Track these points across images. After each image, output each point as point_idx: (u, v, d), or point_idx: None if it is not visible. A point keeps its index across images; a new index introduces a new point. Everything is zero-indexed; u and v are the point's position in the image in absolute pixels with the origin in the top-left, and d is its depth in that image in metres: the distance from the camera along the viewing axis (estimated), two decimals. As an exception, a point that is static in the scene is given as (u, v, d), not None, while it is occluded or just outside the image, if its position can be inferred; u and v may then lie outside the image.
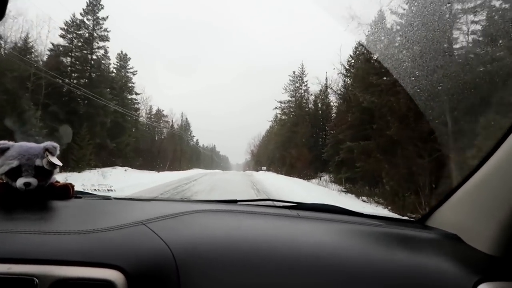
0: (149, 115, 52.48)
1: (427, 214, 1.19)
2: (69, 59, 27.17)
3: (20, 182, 1.07)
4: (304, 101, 35.72)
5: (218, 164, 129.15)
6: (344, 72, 23.04)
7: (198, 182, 17.72)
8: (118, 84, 34.22)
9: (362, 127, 16.62)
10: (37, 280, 0.67)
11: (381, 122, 13.09)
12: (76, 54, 27.59)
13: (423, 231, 1.06)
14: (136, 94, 38.60)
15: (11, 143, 1.13)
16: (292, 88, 38.27)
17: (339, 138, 19.84)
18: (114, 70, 34.82)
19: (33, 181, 1.09)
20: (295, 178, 25.97)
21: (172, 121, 52.59)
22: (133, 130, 38.35)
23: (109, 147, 28.34)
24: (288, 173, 31.43)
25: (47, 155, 1.13)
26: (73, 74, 27.31)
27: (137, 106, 40.13)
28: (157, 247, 0.78)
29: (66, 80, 24.99)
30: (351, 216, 1.25)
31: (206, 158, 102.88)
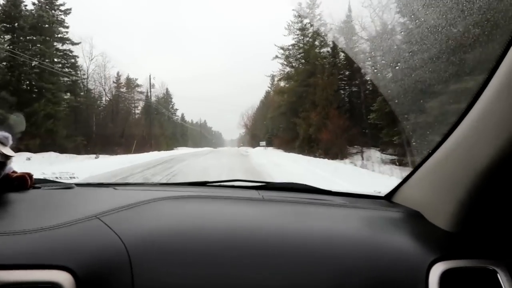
0: (116, 84, 40.70)
1: (393, 190, 1.20)
2: None
3: None
4: (322, 40, 23.70)
5: (210, 141, 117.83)
6: None
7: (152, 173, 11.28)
8: (38, 25, 22.05)
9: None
10: None
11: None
12: None
13: (388, 209, 1.08)
14: (73, 44, 26.40)
15: None
16: (299, 27, 26.19)
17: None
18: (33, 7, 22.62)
19: None
20: (318, 159, 14.80)
21: (149, 92, 39.92)
22: (67, 95, 26.33)
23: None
24: (303, 151, 20.23)
25: None
26: None
27: (76, 62, 27.90)
28: (110, 242, 0.76)
29: None
30: (319, 194, 1.30)
31: (195, 135, 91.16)
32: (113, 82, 39.43)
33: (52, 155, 19.96)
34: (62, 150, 22.12)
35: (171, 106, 65.38)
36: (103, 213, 0.86)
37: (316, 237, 0.84)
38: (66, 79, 26.02)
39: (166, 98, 63.34)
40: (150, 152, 28.14)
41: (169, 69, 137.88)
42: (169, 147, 53.81)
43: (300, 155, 17.45)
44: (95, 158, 19.71)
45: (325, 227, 0.91)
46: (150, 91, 36.85)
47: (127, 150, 32.82)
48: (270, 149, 31.61)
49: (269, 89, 52.72)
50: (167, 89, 64.01)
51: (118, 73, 41.91)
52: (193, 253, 0.77)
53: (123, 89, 49.23)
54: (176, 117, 70.14)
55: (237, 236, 0.83)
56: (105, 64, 34.58)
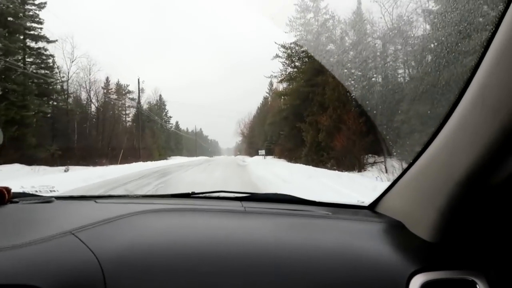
0: (105, 89, 37.80)
1: (376, 200, 1.19)
2: None
3: None
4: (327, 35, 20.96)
5: (206, 149, 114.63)
6: None
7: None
8: (1, 17, 19.16)
9: None
10: None
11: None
12: None
13: (371, 219, 1.08)
14: (48, 41, 23.48)
15: None
16: (302, 22, 23.47)
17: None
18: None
19: None
20: (334, 173, 11.96)
21: (139, 98, 37.02)
22: (42, 99, 23.30)
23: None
24: (311, 161, 17.29)
25: None
26: None
27: (53, 62, 24.92)
28: (84, 259, 0.74)
29: None
30: (303, 205, 1.28)
31: (191, 144, 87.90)
32: (102, 87, 36.60)
33: (14, 168, 16.87)
34: (30, 161, 19.04)
35: (164, 113, 62.21)
36: (78, 228, 0.85)
37: (296, 249, 0.83)
38: (40, 80, 22.96)
39: (160, 105, 60.21)
40: (137, 163, 25.17)
41: (163, 77, 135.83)
42: (162, 156, 50.73)
43: (310, 167, 14.43)
44: (64, 171, 16.61)
45: (306, 239, 0.90)
46: (139, 96, 33.36)
47: (114, 161, 29.86)
48: (269, 158, 28.63)
49: (267, 94, 50.13)
50: (160, 95, 60.98)
51: (107, 79, 39.22)
52: (170, 269, 0.75)
53: (113, 95, 46.47)
54: (170, 125, 66.86)
55: (216, 250, 0.81)
56: (90, 67, 31.73)
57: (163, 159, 47.49)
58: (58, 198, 1.32)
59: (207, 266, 0.76)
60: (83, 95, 32.14)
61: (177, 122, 75.03)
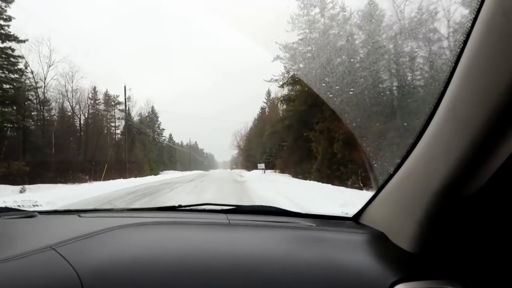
0: (92, 99, 34.94)
1: (360, 211, 1.19)
2: None
3: None
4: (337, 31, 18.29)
5: (201, 163, 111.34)
6: None
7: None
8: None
9: None
10: None
11: None
12: None
13: (355, 230, 1.09)
14: (19, 41, 20.60)
15: None
16: (306, 19, 20.87)
17: None
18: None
19: None
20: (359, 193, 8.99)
21: (127, 107, 34.16)
22: (12, 108, 20.31)
23: None
24: (323, 177, 14.33)
25: None
26: None
27: (25, 66, 21.98)
28: (63, 275, 0.73)
29: None
30: (287, 216, 1.30)
31: (185, 157, 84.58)
32: (89, 98, 33.70)
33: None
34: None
35: (157, 125, 59.04)
36: (59, 243, 0.84)
37: (279, 262, 0.84)
38: (8, 86, 19.98)
39: (152, 117, 57.18)
40: (121, 180, 22.09)
41: (155, 87, 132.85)
42: (154, 171, 47.49)
43: (328, 186, 11.39)
44: (20, 192, 13.48)
45: (289, 251, 0.90)
46: (126, 105, 30.28)
47: (98, 177, 26.74)
48: (269, 172, 25.61)
49: (265, 104, 47.49)
50: (152, 107, 57.94)
51: (94, 88, 36.33)
52: (152, 284, 0.75)
53: (101, 106, 43.56)
54: (163, 137, 63.61)
55: (199, 264, 0.81)
56: (72, 74, 28.85)
57: (154, 174, 44.42)
58: (42, 212, 1.32)
59: (190, 280, 0.76)
60: (65, 105, 29.15)
61: (170, 135, 71.69)
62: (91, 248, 0.85)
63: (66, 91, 28.26)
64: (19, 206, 1.86)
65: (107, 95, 44.83)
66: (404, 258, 0.86)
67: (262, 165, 26.27)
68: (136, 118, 50.73)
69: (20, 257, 0.75)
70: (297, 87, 20.59)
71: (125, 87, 28.94)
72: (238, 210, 1.37)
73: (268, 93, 46.26)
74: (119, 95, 47.89)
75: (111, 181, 23.72)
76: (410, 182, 0.85)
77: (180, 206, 1.44)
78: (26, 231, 1.03)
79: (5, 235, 0.98)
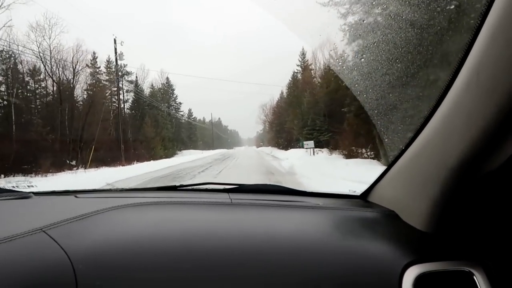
0: (92, 67, 28.02)
1: (369, 189, 1.16)
2: None
3: None
4: None
5: (225, 141, 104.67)
6: None
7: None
8: None
9: None
10: None
11: None
12: None
13: (363, 209, 1.04)
14: None
15: None
16: None
17: None
18: None
19: None
20: None
21: (117, 68, 26.79)
22: None
23: None
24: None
25: None
26: None
27: None
28: (53, 259, 0.70)
29: None
30: (292, 195, 1.26)
31: (207, 135, 77.65)
32: (87, 65, 26.67)
33: None
34: None
35: (173, 99, 51.59)
36: (50, 225, 0.80)
37: (284, 242, 0.80)
38: None
39: (166, 89, 49.79)
40: (115, 168, 15.18)
41: (171, 62, 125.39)
42: (169, 151, 40.70)
43: None
44: None
45: (295, 232, 0.86)
46: (117, 64, 22.66)
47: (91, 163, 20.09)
48: (323, 155, 17.54)
49: (299, 68, 38.84)
50: (167, 78, 50.33)
51: (94, 54, 29.29)
52: (150, 266, 0.71)
53: (103, 76, 36.65)
54: (181, 112, 56.18)
55: (201, 245, 0.78)
56: (51, 26, 21.49)
57: (169, 156, 37.52)
58: (37, 193, 1.28)
59: (191, 261, 0.73)
60: (37, 68, 21.93)
61: (190, 110, 64.26)
62: (84, 230, 0.81)
63: (39, 47, 21.04)
64: (13, 187, 1.79)
65: (109, 62, 37.83)
66: (417, 237, 0.83)
67: (310, 143, 18.11)
68: (147, 91, 43.66)
69: (7, 240, 0.71)
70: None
71: (115, 39, 21.33)
72: (241, 189, 1.32)
73: (303, 53, 37.56)
74: (126, 64, 40.85)
75: (98, 170, 16.84)
76: (425, 158, 0.80)
77: (180, 185, 1.40)
78: (17, 213, 0.98)
79: None
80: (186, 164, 18.17)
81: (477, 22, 0.59)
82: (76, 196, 1.22)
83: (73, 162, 20.73)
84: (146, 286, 0.68)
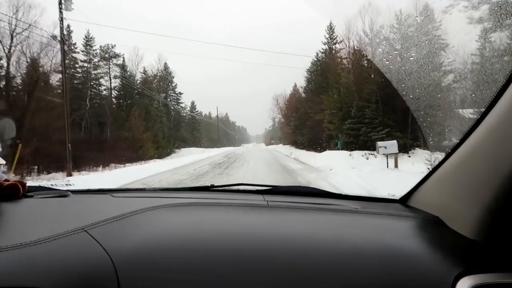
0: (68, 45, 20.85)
1: (409, 193, 1.13)
2: None
3: None
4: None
5: (232, 137, 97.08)
6: None
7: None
8: None
9: None
10: None
11: None
12: None
13: (403, 213, 1.01)
14: None
15: None
16: None
17: None
18: None
19: None
20: None
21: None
22: None
23: None
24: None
25: None
26: None
27: None
28: (95, 258, 0.70)
29: None
30: (328, 198, 1.23)
31: (213, 131, 69.95)
32: (66, 41, 19.40)
33: None
34: None
35: (171, 88, 43.80)
36: (92, 225, 0.81)
37: (324, 247, 0.79)
38: None
39: (164, 76, 42.01)
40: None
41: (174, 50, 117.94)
42: (162, 150, 33.14)
43: None
44: None
45: (334, 236, 0.85)
46: (62, 21, 14.90)
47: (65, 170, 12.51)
48: (407, 167, 9.66)
49: (325, 47, 30.85)
50: (165, 64, 42.60)
51: (69, 27, 22.00)
52: (189, 268, 0.71)
53: (81, 56, 29.37)
54: (182, 104, 48.21)
55: (239, 248, 0.77)
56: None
57: (160, 157, 29.99)
58: (74, 192, 1.29)
59: (229, 264, 0.72)
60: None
61: (193, 103, 56.31)
62: (124, 230, 0.82)
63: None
64: (52, 185, 1.77)
65: (87, 39, 30.30)
66: (467, 246, 0.78)
67: (391, 145, 9.77)
68: (139, 76, 35.86)
69: (51, 239, 0.72)
70: None
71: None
72: (275, 190, 1.31)
73: (330, 27, 29.52)
74: (115, 45, 33.30)
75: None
76: (475, 162, 0.77)
77: (213, 186, 1.40)
78: (58, 212, 1.00)
79: (37, 215, 0.95)
80: (178, 169, 10.61)
81: None
82: (111, 195, 1.24)
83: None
84: (186, 286, 0.68)
